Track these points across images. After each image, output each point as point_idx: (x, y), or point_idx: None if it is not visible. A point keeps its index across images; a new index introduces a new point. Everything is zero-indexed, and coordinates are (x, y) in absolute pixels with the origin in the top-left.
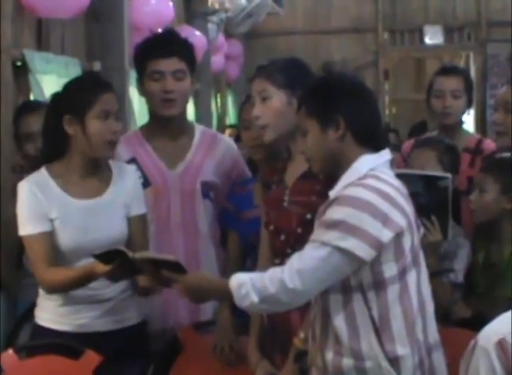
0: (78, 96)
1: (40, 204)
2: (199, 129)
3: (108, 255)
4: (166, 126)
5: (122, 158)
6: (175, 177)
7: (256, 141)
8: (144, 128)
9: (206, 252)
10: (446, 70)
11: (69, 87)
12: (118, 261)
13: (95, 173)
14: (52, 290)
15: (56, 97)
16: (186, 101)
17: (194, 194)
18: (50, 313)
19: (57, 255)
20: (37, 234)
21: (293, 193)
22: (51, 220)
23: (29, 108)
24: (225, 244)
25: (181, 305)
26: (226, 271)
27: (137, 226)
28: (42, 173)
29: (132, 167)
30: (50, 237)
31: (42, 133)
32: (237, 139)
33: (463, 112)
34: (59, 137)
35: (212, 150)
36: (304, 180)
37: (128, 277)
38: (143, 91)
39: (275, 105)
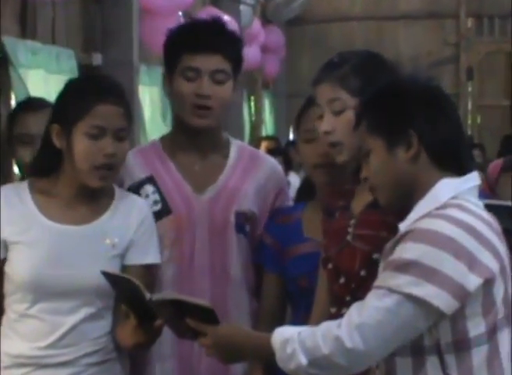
0: (67, 103)
1: None
2: (236, 145)
3: (118, 282)
4: (195, 140)
5: (135, 176)
6: (203, 205)
7: (324, 158)
8: (165, 139)
9: (238, 303)
10: None
11: (65, 87)
12: (128, 299)
13: (87, 198)
14: None
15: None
16: (224, 111)
17: (227, 228)
18: None
19: (12, 293)
20: None
21: (360, 224)
22: (10, 245)
23: (30, 106)
24: (260, 292)
25: (202, 369)
26: (259, 325)
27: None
28: (22, 185)
29: (144, 203)
30: None
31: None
32: (274, 153)
33: None
34: (49, 148)
35: (252, 172)
36: (374, 209)
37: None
38: (170, 90)
39: (351, 119)
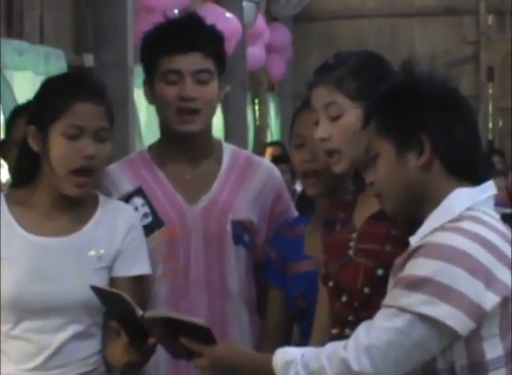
0: (44, 101)
1: None
2: (229, 149)
3: (108, 297)
4: (185, 147)
5: (122, 189)
6: (196, 215)
7: (313, 165)
8: (153, 149)
9: (237, 318)
10: None
11: (42, 86)
12: (118, 313)
13: (69, 207)
14: None
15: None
16: (212, 113)
17: (223, 239)
18: None
19: None
20: None
21: (362, 238)
22: None
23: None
24: (263, 309)
25: None
26: (263, 344)
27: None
28: None
29: (130, 209)
30: None
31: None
32: (280, 160)
33: None
34: (27, 153)
35: (247, 178)
36: (377, 221)
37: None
38: (152, 97)
39: (349, 124)
